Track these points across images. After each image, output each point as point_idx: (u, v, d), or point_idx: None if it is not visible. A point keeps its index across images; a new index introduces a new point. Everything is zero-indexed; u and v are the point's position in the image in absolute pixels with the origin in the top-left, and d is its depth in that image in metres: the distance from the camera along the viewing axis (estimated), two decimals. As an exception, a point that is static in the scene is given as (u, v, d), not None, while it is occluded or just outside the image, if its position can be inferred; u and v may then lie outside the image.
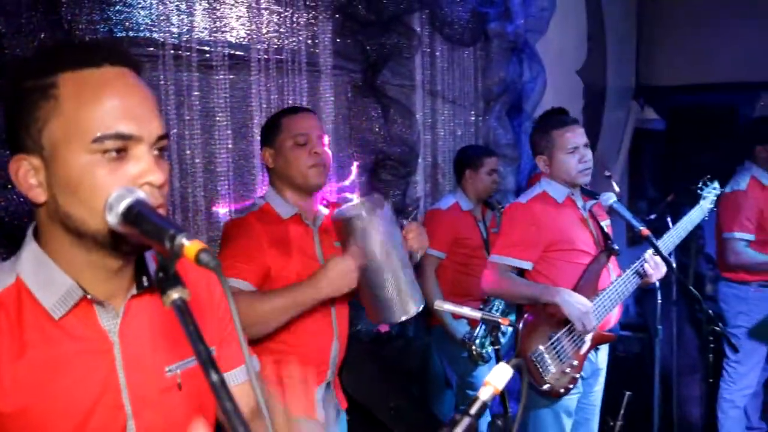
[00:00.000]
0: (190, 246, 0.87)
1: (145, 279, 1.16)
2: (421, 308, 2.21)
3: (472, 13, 4.13)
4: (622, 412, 2.89)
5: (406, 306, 2.16)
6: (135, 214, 0.97)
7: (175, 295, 0.89)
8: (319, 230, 2.30)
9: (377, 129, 3.58)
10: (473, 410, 1.17)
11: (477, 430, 1.19)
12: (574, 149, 2.96)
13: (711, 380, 3.39)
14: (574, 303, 2.79)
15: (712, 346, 3.27)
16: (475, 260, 3.84)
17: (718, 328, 3.17)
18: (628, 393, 2.93)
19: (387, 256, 2.10)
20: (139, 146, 1.06)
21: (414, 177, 3.92)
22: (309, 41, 3.22)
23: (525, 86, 4.60)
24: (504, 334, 3.67)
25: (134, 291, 1.16)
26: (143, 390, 1.15)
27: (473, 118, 4.39)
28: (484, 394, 1.19)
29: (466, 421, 1.15)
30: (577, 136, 2.99)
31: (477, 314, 2.01)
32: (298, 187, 2.24)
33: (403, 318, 2.17)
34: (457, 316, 3.71)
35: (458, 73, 4.26)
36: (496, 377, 1.21)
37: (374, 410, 3.31)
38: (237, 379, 1.35)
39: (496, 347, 2.03)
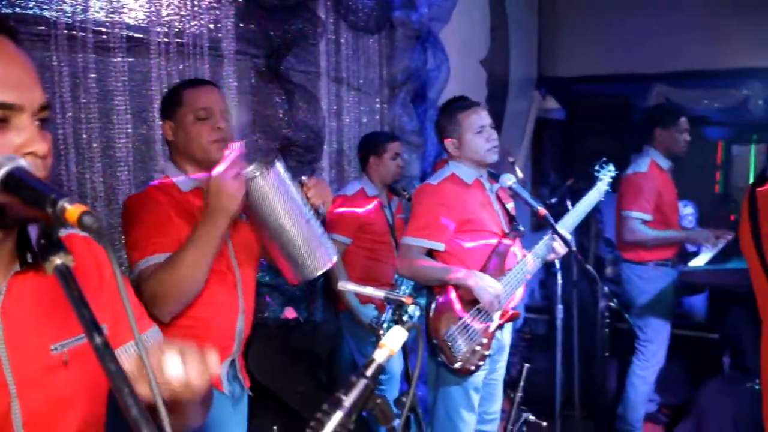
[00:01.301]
0: (73, 209, 0.85)
1: (29, 255, 1.12)
2: (334, 260, 2.21)
3: (376, 1, 4.15)
4: (522, 383, 2.99)
5: (319, 259, 2.15)
6: (15, 181, 0.93)
7: (58, 260, 0.88)
8: None
9: (281, 115, 3.57)
10: (369, 372, 1.19)
11: (374, 391, 1.21)
12: (481, 128, 3.06)
13: (607, 354, 3.54)
14: (485, 286, 2.89)
15: (608, 321, 3.44)
16: (382, 246, 3.89)
17: (613, 305, 3.32)
18: (527, 365, 3.05)
19: (288, 213, 2.08)
20: (21, 116, 1.03)
21: (319, 164, 3.92)
22: (211, 25, 3.18)
23: (429, 74, 4.66)
24: (411, 317, 3.72)
25: (17, 268, 1.12)
26: (27, 369, 1.12)
27: (378, 106, 4.42)
28: (380, 356, 1.22)
29: (362, 383, 1.17)
30: (482, 116, 3.10)
31: (380, 293, 2.04)
32: (199, 161, 2.20)
33: (319, 272, 2.15)
34: (364, 301, 3.76)
35: (363, 61, 4.29)
36: (391, 339, 1.23)
37: (282, 395, 3.31)
38: (130, 350, 1.31)
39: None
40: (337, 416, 1.13)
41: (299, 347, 3.66)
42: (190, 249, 1.97)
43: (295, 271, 2.17)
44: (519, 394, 3.00)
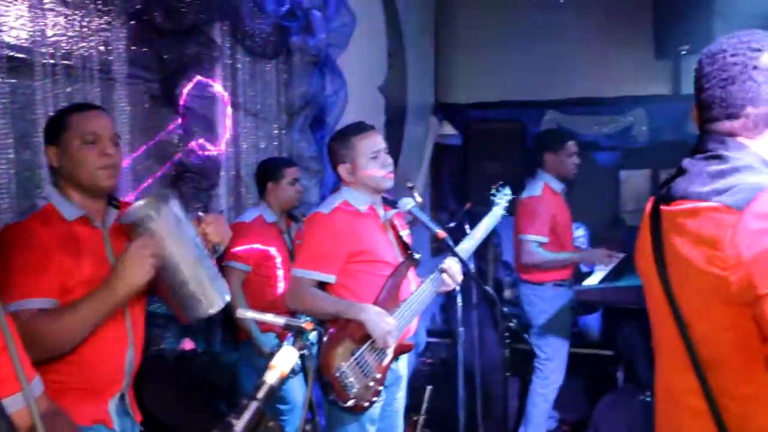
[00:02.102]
0: None
1: None
2: (228, 299, 2.17)
3: (273, 26, 4.13)
4: (425, 406, 2.98)
5: (212, 299, 2.12)
6: None
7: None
8: (110, 232, 2.17)
9: (176, 141, 3.48)
10: (260, 394, 1.16)
11: (265, 414, 1.17)
12: (376, 153, 2.98)
13: (508, 374, 3.58)
14: (378, 321, 2.80)
15: (508, 341, 3.48)
16: (285, 273, 3.84)
17: (512, 325, 3.36)
18: (429, 387, 3.03)
19: (182, 252, 2.05)
20: None
21: (216, 190, 3.83)
22: (101, 47, 3.07)
23: (327, 100, 4.66)
24: (314, 344, 3.67)
25: None
26: None
27: (276, 131, 4.37)
28: (271, 377, 1.18)
29: (253, 406, 1.14)
30: (377, 141, 3.02)
31: (281, 320, 1.98)
32: (86, 188, 2.11)
33: (211, 311, 2.13)
34: (264, 329, 3.69)
35: (260, 86, 4.24)
36: (281, 360, 1.20)
37: (179, 429, 3.19)
38: (16, 404, 1.29)
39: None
40: (229, 441, 1.09)
41: (197, 378, 3.54)
42: (84, 307, 1.94)
43: (186, 311, 2.12)
44: (422, 416, 2.98)
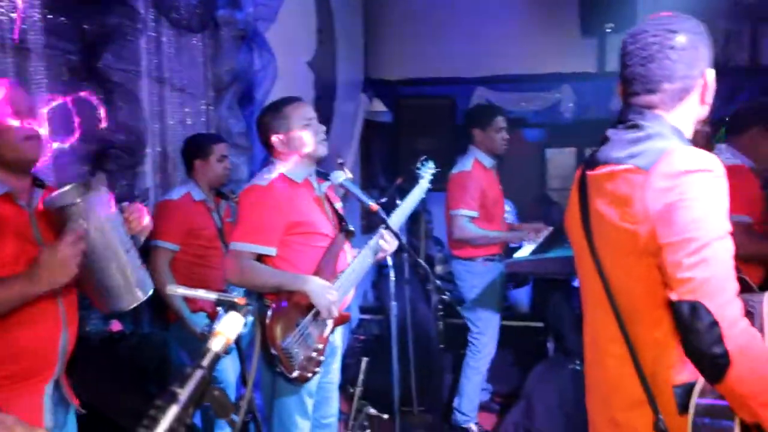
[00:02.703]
0: None
1: None
2: (151, 292, 2.12)
3: (199, -2, 4.02)
4: (361, 377, 2.98)
5: (135, 291, 2.08)
6: None
7: None
8: (36, 212, 2.09)
9: (99, 116, 3.35)
10: (205, 362, 1.12)
11: (210, 382, 1.13)
12: (309, 121, 2.98)
13: (442, 347, 3.64)
14: (322, 292, 2.81)
15: (441, 315, 3.54)
16: (211, 251, 3.75)
17: (446, 297, 3.40)
18: (365, 359, 3.04)
19: (107, 242, 2.00)
20: None
21: (142, 167, 3.71)
22: (13, 14, 2.91)
23: (256, 75, 4.57)
24: (245, 324, 3.63)
25: None
26: None
27: (204, 107, 4.27)
28: (216, 344, 1.15)
29: (198, 374, 1.10)
30: (308, 110, 3.02)
31: (212, 295, 1.95)
32: (9, 162, 2.02)
33: (134, 304, 2.09)
34: (195, 309, 3.61)
35: (187, 61, 4.12)
36: (226, 326, 1.17)
37: (108, 412, 3.10)
38: None
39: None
40: (173, 411, 1.05)
41: (125, 360, 3.45)
42: (3, 291, 1.89)
43: (109, 301, 2.09)
44: (359, 388, 2.98)
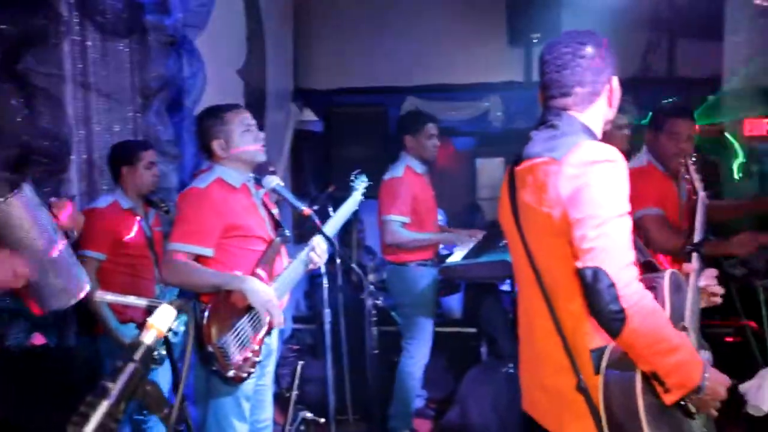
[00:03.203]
0: None
1: None
2: (87, 288, 2.07)
3: (126, 2, 3.93)
4: (296, 382, 2.96)
5: (69, 290, 2.03)
6: None
7: None
8: None
9: (20, 120, 3.24)
10: (137, 355, 1.08)
11: (144, 376, 1.10)
12: (249, 126, 3.02)
13: (376, 351, 3.62)
14: (260, 291, 2.83)
15: (375, 319, 3.53)
16: (141, 260, 3.67)
17: (379, 303, 3.41)
18: (300, 362, 3.02)
19: (36, 242, 1.93)
20: None
21: (67, 174, 3.61)
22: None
23: (185, 82, 4.49)
24: (176, 333, 3.56)
25: None
26: None
27: (131, 114, 4.17)
28: (148, 337, 1.12)
29: (130, 368, 1.06)
30: (248, 116, 3.06)
31: (142, 302, 1.91)
32: None
33: (71, 301, 2.08)
34: (124, 320, 3.52)
35: (113, 66, 4.03)
36: (159, 319, 1.14)
37: (28, 429, 2.99)
38: None
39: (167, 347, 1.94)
40: (104, 406, 1.01)
41: (50, 375, 3.33)
42: None
43: (42, 302, 2.02)
44: (294, 392, 2.96)
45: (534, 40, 6.23)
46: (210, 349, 2.78)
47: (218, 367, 2.79)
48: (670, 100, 5.10)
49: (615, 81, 2.08)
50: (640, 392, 1.81)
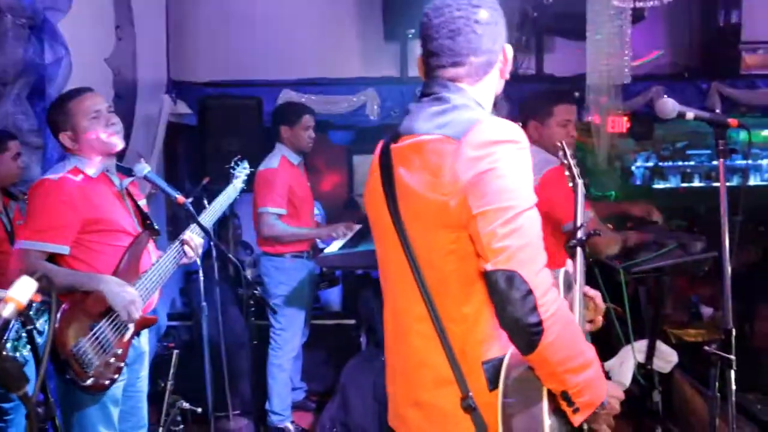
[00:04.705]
0: None
1: None
2: None
3: (-23, -19, 3.68)
4: (172, 371, 2.86)
5: None
6: None
7: None
8: None
9: None
10: (-7, 328, 1.01)
11: (1, 351, 1.03)
12: (97, 113, 2.84)
13: (255, 342, 3.57)
14: (119, 292, 2.66)
15: (253, 309, 3.49)
16: (1, 256, 3.48)
17: (257, 293, 3.36)
18: (176, 351, 2.93)
19: None
20: None
21: None
22: None
23: (47, 69, 4.24)
24: (41, 333, 3.38)
25: None
26: None
27: (-13, 102, 3.92)
28: (6, 310, 1.05)
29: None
30: (96, 101, 2.87)
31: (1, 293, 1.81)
32: None
33: None
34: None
35: (-36, 50, 3.77)
36: (18, 291, 1.07)
37: None
38: None
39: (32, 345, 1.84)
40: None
41: None
42: None
43: None
44: (170, 381, 2.86)
45: (409, 36, 6.33)
46: (63, 356, 2.59)
47: (73, 376, 2.61)
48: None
49: (509, 49, 1.84)
50: (547, 415, 1.58)
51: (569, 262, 2.03)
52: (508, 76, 1.87)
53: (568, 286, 1.88)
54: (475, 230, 1.58)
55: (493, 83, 1.84)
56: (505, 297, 1.52)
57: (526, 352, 1.55)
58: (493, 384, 1.65)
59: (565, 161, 2.44)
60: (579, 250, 2.08)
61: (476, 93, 1.79)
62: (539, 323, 1.50)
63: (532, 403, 1.60)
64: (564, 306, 1.58)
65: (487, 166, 1.58)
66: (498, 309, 1.56)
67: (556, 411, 1.61)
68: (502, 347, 1.65)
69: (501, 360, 1.66)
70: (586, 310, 1.98)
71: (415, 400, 1.79)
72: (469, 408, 1.65)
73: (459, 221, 1.61)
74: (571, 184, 2.37)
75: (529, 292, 1.50)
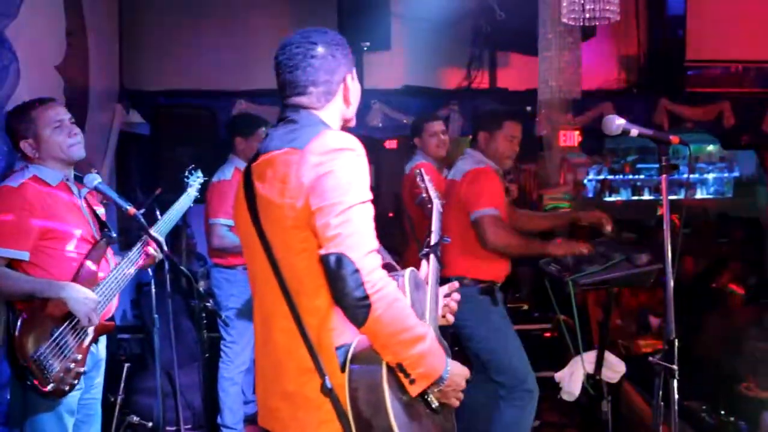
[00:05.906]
0: None
1: None
2: None
3: None
4: (122, 384, 2.85)
5: None
6: None
7: None
8: None
9: None
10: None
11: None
12: (60, 123, 2.91)
13: (207, 355, 3.54)
14: (80, 298, 2.71)
15: (205, 322, 3.46)
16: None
17: (209, 305, 3.35)
18: (127, 364, 2.92)
19: None
20: None
21: None
22: None
23: (-6, 75, 4.17)
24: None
25: None
26: None
27: (-70, 108, 3.82)
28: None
29: None
30: (59, 111, 2.95)
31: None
32: None
33: None
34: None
35: None
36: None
37: None
38: None
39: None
40: None
41: None
42: None
43: None
44: (120, 395, 2.84)
45: (365, 48, 6.34)
46: (23, 362, 2.62)
47: (35, 382, 2.63)
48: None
49: (350, 78, 2.09)
50: (387, 385, 1.80)
51: (423, 264, 2.31)
52: (353, 101, 2.11)
53: (417, 285, 2.09)
54: (314, 224, 1.82)
55: (338, 108, 2.07)
56: (336, 275, 1.76)
57: (359, 325, 1.79)
58: (344, 366, 1.86)
59: (422, 185, 2.76)
60: (432, 257, 2.35)
61: (324, 116, 2.03)
62: (366, 297, 1.73)
63: (372, 377, 1.81)
64: (392, 285, 1.81)
65: (325, 169, 1.83)
66: (331, 287, 1.80)
67: (397, 383, 1.83)
68: (353, 334, 1.87)
69: (351, 344, 1.88)
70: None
71: (282, 391, 1.96)
72: (327, 390, 1.85)
73: (304, 219, 1.84)
74: (429, 206, 2.66)
75: (356, 270, 1.74)
